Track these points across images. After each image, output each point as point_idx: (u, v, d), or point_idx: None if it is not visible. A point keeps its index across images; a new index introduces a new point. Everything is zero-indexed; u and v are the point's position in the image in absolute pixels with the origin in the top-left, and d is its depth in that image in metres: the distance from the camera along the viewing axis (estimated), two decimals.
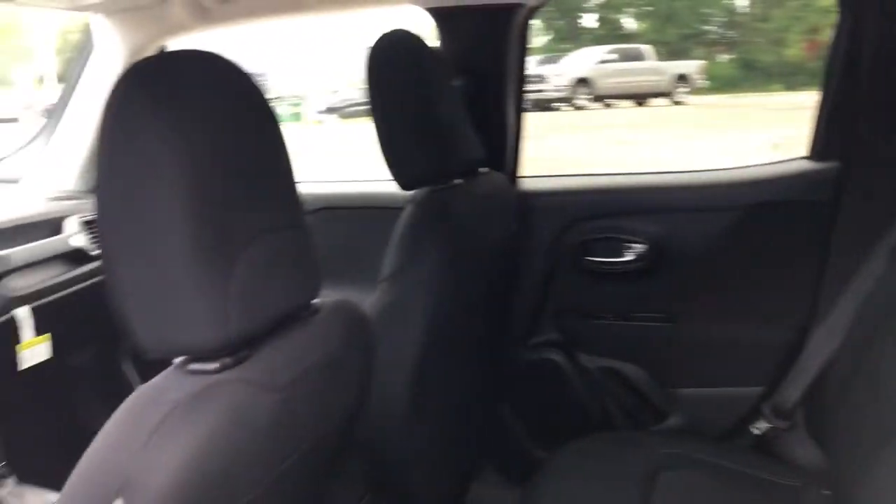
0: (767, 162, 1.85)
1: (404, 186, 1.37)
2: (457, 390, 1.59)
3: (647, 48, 14.04)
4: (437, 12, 1.78)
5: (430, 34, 1.76)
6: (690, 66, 13.85)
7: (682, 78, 13.65)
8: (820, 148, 1.76)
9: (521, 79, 1.87)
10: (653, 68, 13.68)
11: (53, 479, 0.80)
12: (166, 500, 0.67)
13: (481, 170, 1.60)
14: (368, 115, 1.35)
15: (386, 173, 1.37)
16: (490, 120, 1.81)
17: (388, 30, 1.35)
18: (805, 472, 1.64)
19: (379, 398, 1.30)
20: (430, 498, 1.54)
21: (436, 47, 1.55)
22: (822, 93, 1.75)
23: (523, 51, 1.83)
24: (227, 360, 0.74)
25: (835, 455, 1.50)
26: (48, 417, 1.86)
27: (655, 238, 1.80)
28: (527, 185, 1.93)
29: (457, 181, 1.46)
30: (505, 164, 1.85)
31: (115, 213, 0.71)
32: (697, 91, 13.55)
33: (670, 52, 14.83)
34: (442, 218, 1.37)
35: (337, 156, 8.59)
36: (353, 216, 2.01)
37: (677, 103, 13.27)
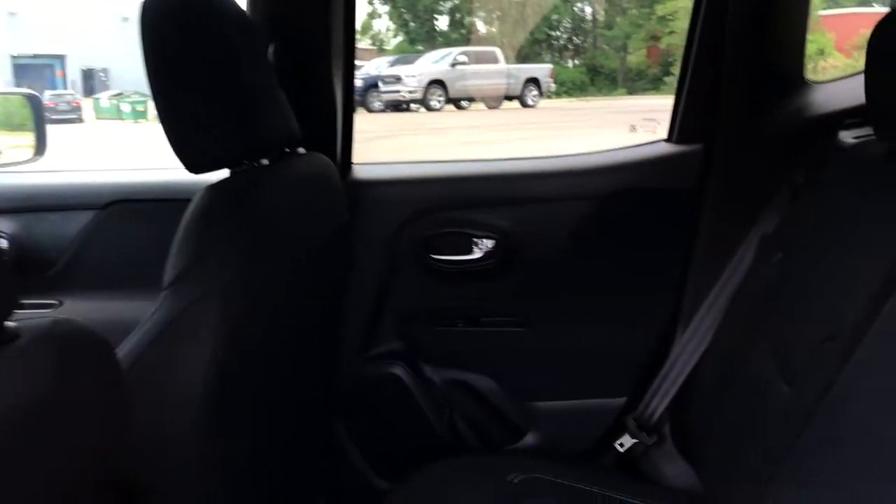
0: (626, 146, 1.68)
1: (191, 169, 1.08)
2: (272, 419, 1.30)
3: (499, 52, 14.20)
4: None
5: None
6: (541, 71, 14.12)
7: (533, 81, 13.88)
8: (681, 130, 1.61)
9: (351, 53, 1.60)
10: (504, 71, 13.83)
11: None
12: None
13: (299, 150, 1.32)
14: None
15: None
16: (314, 97, 1.54)
17: None
18: (675, 491, 1.48)
19: (162, 443, 1.02)
20: None
21: (239, 6, 1.26)
22: (681, 72, 1.62)
23: (351, 19, 1.57)
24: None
25: (709, 473, 1.33)
26: None
27: (507, 232, 1.59)
28: (361, 172, 1.66)
29: (263, 162, 1.19)
30: (333, 147, 1.58)
31: None
32: (548, 95, 13.84)
33: (521, 56, 15.10)
34: (238, 204, 1.08)
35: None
36: (152, 210, 1.68)
37: (528, 106, 13.50)
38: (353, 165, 1.66)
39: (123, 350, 0.96)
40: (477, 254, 1.60)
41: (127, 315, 1.16)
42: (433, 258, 1.61)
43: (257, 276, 1.10)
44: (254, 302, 1.10)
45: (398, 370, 1.68)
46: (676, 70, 1.64)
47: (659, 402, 1.52)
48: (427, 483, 1.41)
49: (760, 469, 1.07)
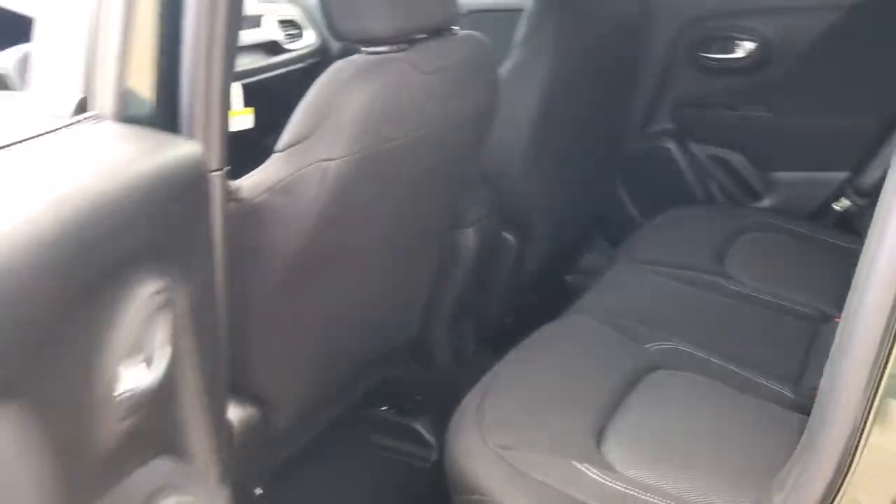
0: None
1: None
2: (573, 155, 1.90)
3: None
4: None
5: None
6: None
7: None
8: None
9: None
10: None
11: None
12: (358, 118, 1.09)
13: None
14: None
15: None
16: None
17: None
18: None
19: (504, 137, 1.62)
20: (544, 237, 1.88)
21: None
22: None
23: None
24: (393, 48, 1.15)
25: None
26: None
27: (764, 36, 1.99)
28: None
29: None
30: None
31: None
32: None
33: None
34: None
35: None
36: (499, 17, 2.30)
37: None
38: None
39: None
40: (739, 53, 2.04)
41: None
42: (704, 56, 2.08)
43: (573, 44, 1.69)
44: (568, 64, 1.69)
45: (670, 144, 2.20)
46: None
47: (874, 172, 1.90)
48: (679, 214, 1.95)
49: None
